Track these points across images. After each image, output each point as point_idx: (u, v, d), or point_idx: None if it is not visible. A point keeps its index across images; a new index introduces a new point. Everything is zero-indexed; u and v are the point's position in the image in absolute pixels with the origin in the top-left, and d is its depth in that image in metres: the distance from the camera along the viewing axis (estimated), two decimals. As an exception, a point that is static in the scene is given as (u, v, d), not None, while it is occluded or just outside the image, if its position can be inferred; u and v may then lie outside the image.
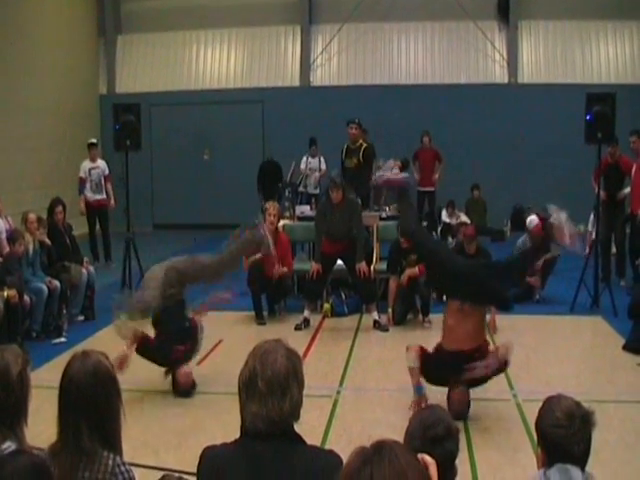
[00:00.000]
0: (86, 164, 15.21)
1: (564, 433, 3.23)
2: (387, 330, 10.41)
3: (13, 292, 9.23)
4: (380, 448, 1.91)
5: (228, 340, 9.68)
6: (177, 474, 2.71)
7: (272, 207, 11.09)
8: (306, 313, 10.66)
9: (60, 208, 11.22)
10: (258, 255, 10.65)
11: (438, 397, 7.07)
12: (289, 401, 2.87)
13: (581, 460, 3.25)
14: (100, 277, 11.95)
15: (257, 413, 2.86)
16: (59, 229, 11.05)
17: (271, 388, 2.85)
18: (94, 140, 15.73)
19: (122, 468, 3.19)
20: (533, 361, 8.96)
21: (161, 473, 5.63)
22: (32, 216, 10.46)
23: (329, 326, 10.69)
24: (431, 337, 10.00)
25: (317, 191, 16.53)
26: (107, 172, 15.23)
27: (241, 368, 2.99)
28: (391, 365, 9.01)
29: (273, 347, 2.97)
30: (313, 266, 10.69)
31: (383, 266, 11.25)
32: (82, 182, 15.13)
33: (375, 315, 10.59)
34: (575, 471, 3.20)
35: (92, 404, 3.21)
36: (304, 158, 16.93)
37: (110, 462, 3.17)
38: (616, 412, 7.20)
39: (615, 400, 7.57)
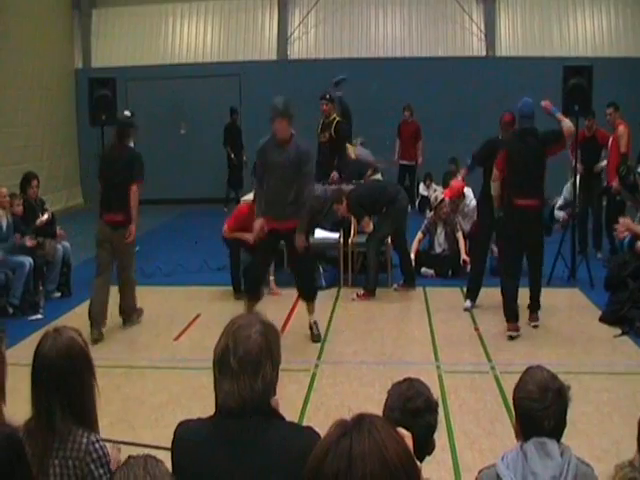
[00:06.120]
0: None
1: (536, 406, 3.22)
2: (319, 341, 8.89)
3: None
4: (360, 421, 1.90)
5: (206, 315, 9.67)
6: (146, 452, 2.66)
7: None
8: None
9: (36, 182, 11.01)
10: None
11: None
12: (261, 380, 2.80)
13: (553, 434, 3.25)
14: (76, 253, 11.83)
15: (229, 391, 2.81)
16: (32, 204, 10.87)
17: (243, 366, 2.79)
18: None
19: (96, 445, 3.17)
20: (510, 333, 9.00)
21: (138, 449, 5.63)
22: (3, 190, 10.35)
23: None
24: (410, 309, 10.05)
25: None
26: None
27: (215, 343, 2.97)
28: (369, 337, 9.04)
29: (247, 322, 2.90)
30: (257, 223, 8.67)
31: (361, 239, 11.27)
32: None
33: (312, 318, 9.06)
34: (552, 445, 3.20)
35: (65, 384, 3.17)
36: None
37: (84, 440, 3.15)
38: (592, 383, 7.25)
39: (591, 371, 7.62)
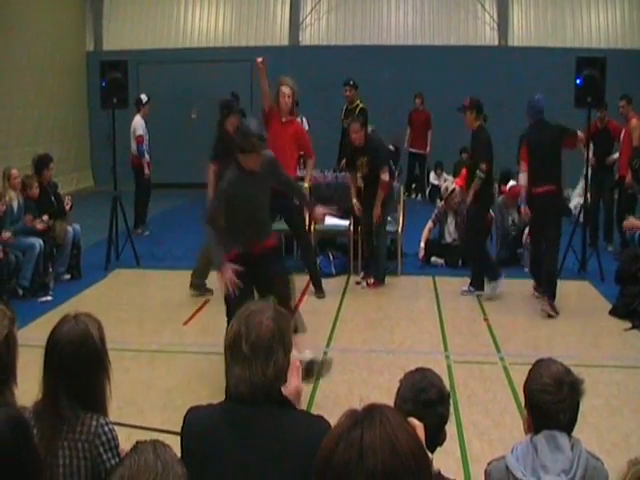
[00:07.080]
0: (142, 121, 14.19)
1: (550, 399, 3.19)
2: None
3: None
4: (371, 411, 1.88)
5: (215, 300, 9.64)
6: (154, 436, 2.63)
7: (286, 85, 11.07)
8: None
9: (52, 165, 11.00)
10: None
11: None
12: (273, 365, 2.81)
13: (567, 427, 3.23)
14: (86, 236, 11.82)
15: (240, 376, 2.80)
16: (45, 187, 10.85)
17: (255, 352, 2.79)
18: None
19: (105, 428, 3.15)
20: (520, 324, 8.99)
21: (147, 432, 5.63)
22: (15, 172, 10.33)
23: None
24: (420, 298, 10.03)
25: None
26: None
27: (227, 329, 2.95)
28: (378, 326, 9.03)
29: (260, 309, 2.90)
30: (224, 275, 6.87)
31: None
32: (142, 141, 14.13)
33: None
34: (562, 438, 3.18)
35: (76, 371, 3.15)
36: None
37: (94, 423, 3.13)
38: (602, 376, 7.21)
39: (601, 365, 7.59)
